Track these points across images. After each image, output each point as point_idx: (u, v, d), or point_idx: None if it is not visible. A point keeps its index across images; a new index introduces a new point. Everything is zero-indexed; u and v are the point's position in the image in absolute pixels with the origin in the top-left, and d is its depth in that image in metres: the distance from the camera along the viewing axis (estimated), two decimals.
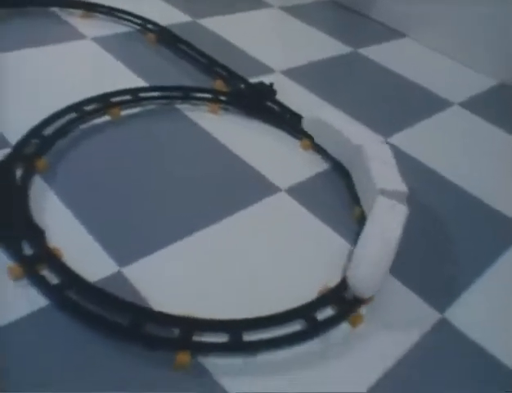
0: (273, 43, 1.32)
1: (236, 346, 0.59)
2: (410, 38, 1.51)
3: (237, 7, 1.46)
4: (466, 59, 1.43)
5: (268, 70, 1.18)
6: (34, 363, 0.55)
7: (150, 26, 1.21)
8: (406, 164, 0.94)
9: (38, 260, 0.63)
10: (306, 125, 0.96)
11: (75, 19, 1.21)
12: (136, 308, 0.60)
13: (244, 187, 0.84)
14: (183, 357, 0.57)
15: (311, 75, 1.19)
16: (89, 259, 0.66)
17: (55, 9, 1.22)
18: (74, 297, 0.60)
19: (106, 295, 0.61)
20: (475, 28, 1.38)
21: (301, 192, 0.85)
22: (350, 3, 1.63)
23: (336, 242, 0.78)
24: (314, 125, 0.94)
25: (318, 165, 0.93)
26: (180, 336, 0.58)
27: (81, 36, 1.15)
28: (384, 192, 0.76)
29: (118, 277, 0.65)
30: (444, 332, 0.68)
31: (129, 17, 1.23)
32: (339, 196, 0.87)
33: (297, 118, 0.99)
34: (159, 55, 1.14)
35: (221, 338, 0.60)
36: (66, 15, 1.22)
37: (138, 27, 1.22)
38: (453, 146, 1.07)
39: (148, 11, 1.27)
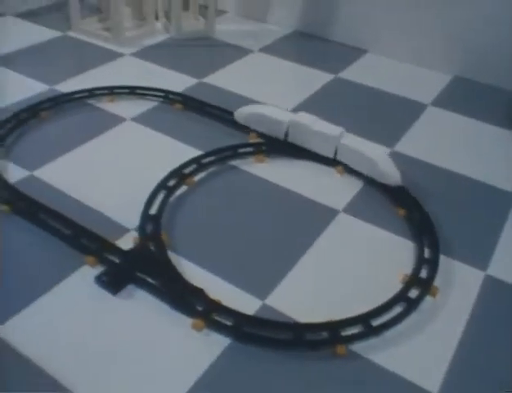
0: (272, 86, 1.56)
1: (369, 332, 0.84)
2: (372, 52, 1.79)
3: (224, 60, 1.68)
4: (422, 61, 1.72)
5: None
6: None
7: (173, 96, 1.43)
8: (414, 165, 1.22)
9: (210, 311, 0.85)
10: (237, 118, 1.28)
11: (106, 104, 1.41)
12: (295, 325, 0.84)
13: (311, 216, 1.08)
14: (341, 349, 0.81)
15: (318, 110, 1.44)
16: (238, 300, 0.89)
17: (83, 100, 1.41)
18: (248, 330, 0.83)
19: (269, 322, 0.84)
20: (426, 31, 1.67)
21: (353, 209, 1.11)
22: (312, 31, 1.89)
23: (394, 240, 1.04)
24: (245, 116, 1.27)
25: (355, 185, 1.18)
26: (331, 336, 0.83)
27: (121, 119, 1.35)
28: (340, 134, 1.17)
29: (264, 308, 0.88)
30: (491, 287, 0.96)
31: (151, 92, 1.44)
32: (379, 203, 1.13)
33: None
34: (192, 120, 1.36)
35: (357, 329, 0.84)
36: (96, 103, 1.41)
37: (162, 99, 1.44)
38: (444, 142, 1.36)
39: (160, 82, 1.49)
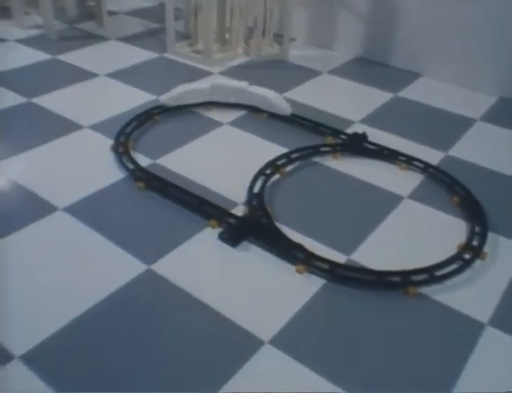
0: (340, 102, 1.83)
1: (433, 279, 1.09)
2: (425, 76, 2.05)
3: (299, 80, 1.97)
4: (469, 83, 1.98)
5: (350, 122, 1.70)
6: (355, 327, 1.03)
7: (259, 109, 1.72)
8: (464, 166, 1.47)
9: (309, 259, 1.12)
10: (167, 102, 1.62)
11: (205, 112, 1.71)
12: (377, 271, 1.10)
13: (380, 201, 1.34)
14: (412, 290, 1.06)
15: (382, 121, 1.71)
16: (329, 256, 1.14)
17: (188, 108, 1.71)
18: (339, 273, 1.09)
19: (356, 267, 1.10)
20: (473, 55, 1.93)
21: (414, 196, 1.36)
22: (372, 56, 2.17)
23: (450, 219, 1.28)
24: (175, 98, 1.64)
25: (415, 178, 1.44)
26: (405, 280, 1.08)
27: (219, 123, 1.65)
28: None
29: (350, 262, 1.14)
30: None
31: (241, 103, 1.74)
32: (436, 191, 1.38)
33: (390, 151, 1.50)
34: (279, 127, 1.64)
35: (424, 276, 1.09)
36: (197, 111, 1.71)
37: (248, 111, 1.73)
38: (492, 148, 1.60)
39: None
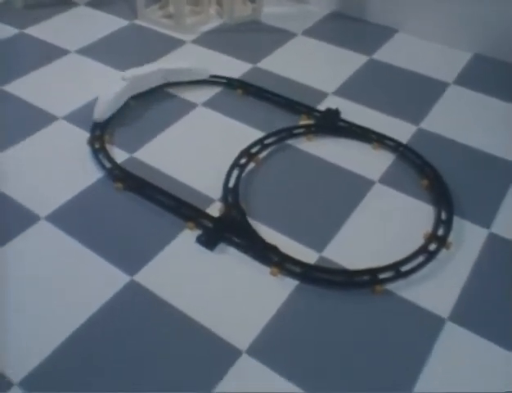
0: (315, 70, 1.83)
1: (399, 275, 1.16)
2: (401, 32, 2.03)
3: (272, 45, 1.95)
4: (445, 39, 1.96)
5: (324, 95, 1.70)
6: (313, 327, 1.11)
7: (233, 83, 1.72)
8: (437, 141, 1.50)
9: (283, 261, 1.18)
10: (99, 119, 1.52)
11: (179, 91, 1.71)
12: (345, 271, 1.16)
13: (352, 187, 1.39)
14: (379, 287, 1.13)
15: (355, 91, 1.71)
16: (302, 253, 1.21)
17: (162, 89, 1.71)
18: (311, 275, 1.16)
19: (326, 268, 1.16)
20: (450, 10, 1.89)
21: (386, 180, 1.40)
22: (348, 11, 2.13)
23: (419, 205, 1.34)
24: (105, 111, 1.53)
25: (387, 158, 1.47)
26: (372, 278, 1.15)
27: (194, 105, 1.65)
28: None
29: (321, 259, 1.20)
30: (492, 242, 1.26)
31: (216, 79, 1.73)
32: (406, 173, 1.42)
33: (363, 130, 1.53)
34: (253, 105, 1.65)
35: (390, 274, 1.16)
36: (172, 91, 1.71)
37: (224, 86, 1.72)
38: (465, 117, 1.63)
39: (220, 68, 1.77)
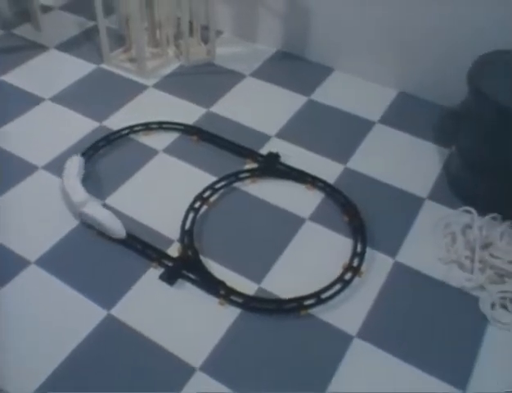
0: (260, 111, 2.12)
1: (319, 301, 1.47)
2: (337, 70, 2.33)
3: (224, 87, 2.23)
4: (373, 76, 2.26)
5: (267, 138, 2.00)
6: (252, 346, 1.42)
7: (189, 129, 2.00)
8: (360, 179, 1.82)
9: (229, 294, 1.48)
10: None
11: (142, 138, 1.98)
12: (277, 300, 1.48)
13: (287, 225, 1.69)
14: (304, 312, 1.45)
15: (293, 133, 2.01)
16: (244, 285, 1.51)
17: (127, 136, 1.98)
18: (250, 304, 1.47)
19: (261, 299, 1.48)
20: (379, 49, 2.19)
21: (316, 216, 1.71)
22: (291, 50, 2.41)
23: (342, 239, 1.65)
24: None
25: (317, 197, 1.78)
26: (299, 305, 1.46)
27: (155, 151, 1.93)
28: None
29: (260, 289, 1.51)
30: (397, 269, 1.58)
31: (173, 126, 2.01)
32: (332, 211, 1.73)
33: (298, 172, 1.83)
34: (206, 150, 1.93)
35: (313, 300, 1.48)
36: (135, 137, 1.98)
37: (181, 132, 2.01)
38: (384, 156, 1.94)
39: (179, 113, 2.05)
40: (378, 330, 1.43)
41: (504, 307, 1.50)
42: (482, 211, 1.69)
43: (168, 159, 1.90)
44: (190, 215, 1.69)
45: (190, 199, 1.73)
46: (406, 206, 1.76)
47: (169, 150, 1.93)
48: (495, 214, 1.68)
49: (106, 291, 1.50)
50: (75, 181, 1.71)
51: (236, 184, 1.81)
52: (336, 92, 2.21)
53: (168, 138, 1.98)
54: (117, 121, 2.02)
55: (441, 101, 2.16)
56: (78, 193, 1.67)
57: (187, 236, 1.63)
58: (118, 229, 1.60)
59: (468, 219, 1.69)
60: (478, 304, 1.50)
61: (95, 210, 1.63)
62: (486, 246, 1.61)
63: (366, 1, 2.09)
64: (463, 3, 1.90)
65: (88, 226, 1.64)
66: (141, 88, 2.21)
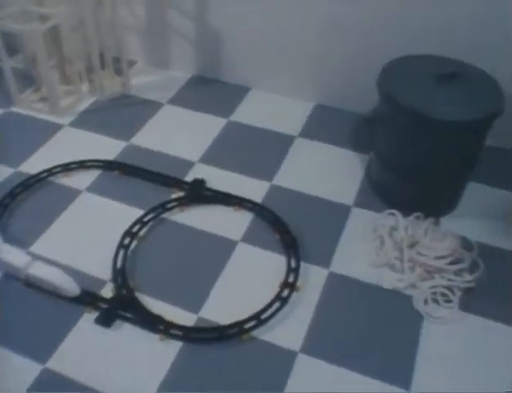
0: (181, 138, 2.11)
1: (260, 323, 1.48)
2: (254, 89, 2.36)
3: (142, 118, 2.21)
4: (291, 91, 2.31)
5: (191, 164, 1.99)
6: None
7: (112, 165, 1.96)
8: (288, 195, 1.84)
9: (168, 328, 1.46)
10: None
11: (62, 179, 1.93)
12: (217, 327, 1.46)
13: (220, 250, 1.69)
14: (246, 336, 1.44)
15: (217, 156, 2.02)
16: (183, 317, 1.49)
17: (46, 179, 1.92)
18: (191, 336, 1.45)
19: (201, 328, 1.46)
20: (293, 65, 2.25)
21: (247, 237, 1.72)
22: (207, 74, 2.43)
23: (275, 257, 1.67)
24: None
25: (247, 218, 1.79)
26: (240, 329, 1.46)
27: (78, 191, 1.88)
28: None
29: (199, 319, 1.49)
30: (332, 279, 1.61)
31: (94, 163, 1.97)
32: (263, 230, 1.75)
33: (225, 195, 1.84)
34: (131, 184, 1.90)
35: (253, 322, 1.48)
36: (55, 180, 1.92)
37: (103, 168, 1.96)
38: (307, 168, 1.98)
39: (99, 149, 2.01)
40: (320, 342, 1.45)
41: (435, 302, 1.56)
42: (406, 212, 1.76)
43: (91, 197, 1.85)
44: (121, 252, 1.65)
45: (119, 236, 1.69)
46: (334, 216, 1.81)
47: (92, 188, 1.89)
48: (418, 214, 1.75)
49: (39, 344, 1.43)
50: (4, 245, 1.62)
51: (165, 215, 1.79)
52: (255, 111, 2.24)
53: (89, 177, 1.93)
54: (34, 165, 1.96)
55: (357, 110, 2.23)
56: (17, 256, 1.56)
57: (120, 274, 1.59)
58: (71, 287, 1.51)
59: (393, 221, 1.75)
60: (412, 303, 1.55)
61: (43, 270, 1.53)
62: (413, 244, 1.67)
63: (275, 19, 2.13)
64: (372, 10, 1.96)
65: (34, 286, 1.56)
66: (56, 128, 2.15)
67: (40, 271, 1.54)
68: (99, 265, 1.62)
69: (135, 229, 1.72)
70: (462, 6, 1.84)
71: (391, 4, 1.92)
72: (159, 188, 1.88)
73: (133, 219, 1.74)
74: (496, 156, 2.03)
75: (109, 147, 2.05)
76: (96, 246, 1.68)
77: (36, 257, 1.62)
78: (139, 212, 1.78)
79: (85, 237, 1.72)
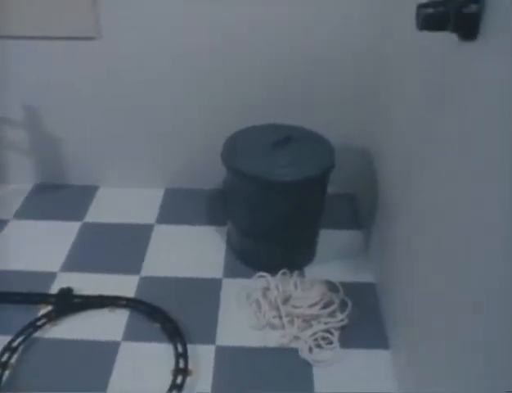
0: (35, 251, 2.03)
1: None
2: (103, 186, 2.37)
3: None
4: (141, 181, 2.36)
5: (53, 275, 1.92)
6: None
7: None
8: (159, 282, 1.86)
9: None
10: None
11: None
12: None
13: (103, 356, 1.64)
14: None
15: (79, 261, 1.97)
16: None
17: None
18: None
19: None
20: (141, 158, 2.30)
21: (127, 336, 1.69)
22: (52, 180, 2.38)
23: (161, 347, 1.65)
24: None
25: (124, 315, 1.76)
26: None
27: None
28: None
29: None
30: (220, 352, 1.64)
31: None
32: (143, 323, 1.73)
33: (95, 298, 1.80)
34: None
35: None
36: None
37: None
38: (170, 252, 2.02)
39: None
40: None
41: (319, 346, 1.66)
42: (273, 271, 1.87)
43: None
44: None
45: None
46: (208, 292, 1.86)
47: None
48: (284, 270, 1.87)
49: None
50: None
51: (37, 334, 1.70)
52: (108, 208, 2.24)
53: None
54: None
55: (205, 186, 2.34)
56: None
57: None
58: None
59: (264, 282, 1.85)
60: (298, 354, 1.64)
61: None
62: (286, 299, 1.78)
63: (111, 113, 2.18)
64: (202, 96, 2.10)
65: None
66: None
67: None
68: None
69: (4, 358, 1.60)
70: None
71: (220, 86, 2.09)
72: (24, 308, 1.78)
73: (0, 348, 1.62)
74: (339, 201, 2.26)
75: None
76: None
77: None
78: (6, 339, 1.66)
79: None
